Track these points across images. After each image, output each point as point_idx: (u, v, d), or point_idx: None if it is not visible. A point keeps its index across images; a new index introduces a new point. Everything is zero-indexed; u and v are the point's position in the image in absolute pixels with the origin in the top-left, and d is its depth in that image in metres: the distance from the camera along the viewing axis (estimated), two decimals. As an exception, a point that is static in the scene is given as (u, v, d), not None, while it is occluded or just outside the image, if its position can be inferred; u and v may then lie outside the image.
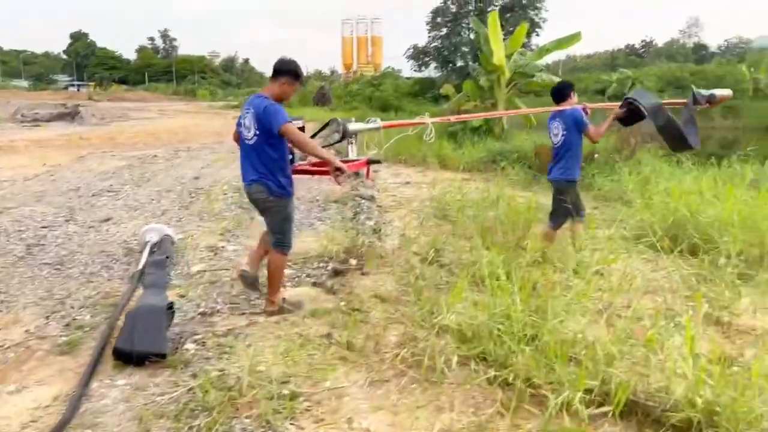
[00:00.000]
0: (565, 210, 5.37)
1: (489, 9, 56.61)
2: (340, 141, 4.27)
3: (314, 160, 4.22)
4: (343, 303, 4.29)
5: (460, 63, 57.60)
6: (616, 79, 45.89)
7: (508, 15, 54.12)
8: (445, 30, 55.40)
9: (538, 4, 54.94)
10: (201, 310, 4.25)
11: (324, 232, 6.51)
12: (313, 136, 4.29)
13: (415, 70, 62.79)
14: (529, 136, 13.58)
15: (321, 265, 5.32)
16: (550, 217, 5.64)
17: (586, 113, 5.45)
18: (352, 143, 4.28)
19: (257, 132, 3.84)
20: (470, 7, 56.31)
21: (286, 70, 3.94)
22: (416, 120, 4.91)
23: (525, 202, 8.56)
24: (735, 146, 33.20)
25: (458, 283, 3.80)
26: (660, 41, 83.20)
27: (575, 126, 5.25)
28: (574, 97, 5.49)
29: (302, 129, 4.11)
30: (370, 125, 4.40)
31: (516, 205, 6.59)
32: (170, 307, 3.83)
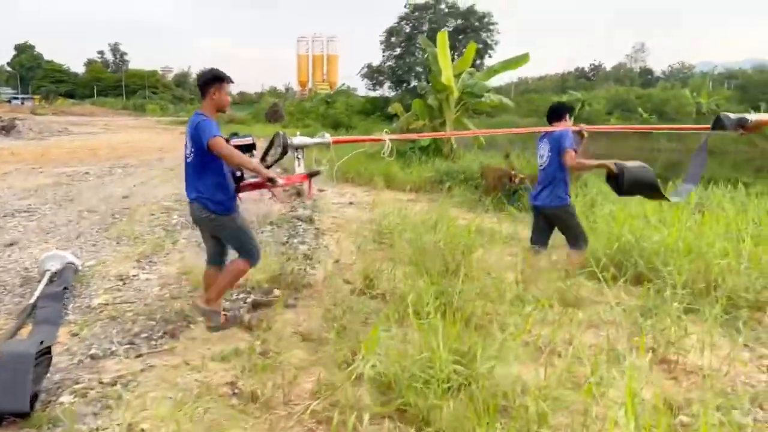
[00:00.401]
0: (576, 227, 5.10)
1: (442, 30, 57.49)
2: (282, 156, 4.10)
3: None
4: (258, 342, 3.83)
5: (414, 83, 57.94)
6: (565, 100, 46.69)
7: (461, 37, 54.93)
8: (399, 50, 55.74)
9: (491, 27, 55.93)
10: (92, 351, 3.71)
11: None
12: (264, 154, 4.18)
13: (369, 89, 62.90)
14: (477, 157, 13.42)
15: (241, 296, 4.83)
16: (569, 243, 5.21)
17: (583, 137, 5.15)
18: (299, 158, 4.13)
19: (192, 149, 3.82)
20: (424, 28, 56.89)
21: (208, 80, 3.87)
22: (374, 136, 4.70)
23: (468, 224, 8.32)
24: (679, 168, 34.21)
25: (377, 324, 3.39)
26: (608, 65, 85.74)
27: (559, 147, 4.99)
28: (569, 121, 5.19)
29: (252, 146, 4.02)
30: (317, 140, 4.24)
31: (455, 229, 6.26)
32: (46, 352, 3.29)
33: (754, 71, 48.20)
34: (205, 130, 3.69)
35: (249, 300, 4.70)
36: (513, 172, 9.65)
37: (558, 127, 5.06)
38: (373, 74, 61.26)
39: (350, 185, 12.72)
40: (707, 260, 5.19)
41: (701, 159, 5.55)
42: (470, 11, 55.58)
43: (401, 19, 57.98)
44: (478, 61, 57.41)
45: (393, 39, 57.30)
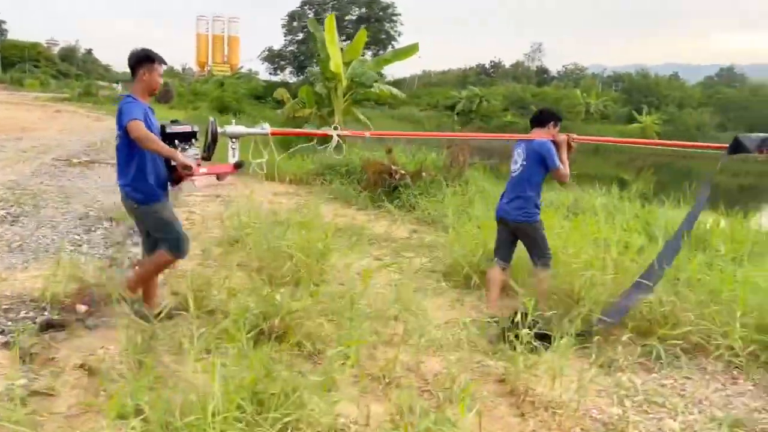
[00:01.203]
0: (543, 242, 4.59)
1: (345, 18, 56.63)
2: (212, 143, 3.81)
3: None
4: (23, 381, 3.04)
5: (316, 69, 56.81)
6: (465, 95, 47.52)
7: (364, 26, 54.60)
8: (301, 35, 54.54)
9: (394, 18, 55.94)
10: None
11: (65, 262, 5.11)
12: (209, 148, 3.89)
13: (270, 74, 61.21)
14: (362, 150, 12.78)
15: (31, 314, 3.98)
16: (534, 260, 4.59)
17: (571, 147, 4.63)
18: (233, 148, 3.89)
19: (118, 133, 3.71)
20: (327, 14, 55.99)
21: (139, 59, 3.76)
22: (323, 131, 4.44)
23: (341, 222, 7.75)
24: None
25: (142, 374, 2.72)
26: (507, 63, 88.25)
27: (541, 161, 4.48)
28: (554, 130, 4.65)
29: (193, 134, 3.91)
30: (254, 130, 3.99)
31: (317, 228, 5.67)
32: None
33: (638, 76, 51.11)
34: (126, 112, 3.57)
35: (39, 319, 3.85)
36: (394, 168, 9.19)
37: (540, 135, 4.58)
38: (274, 58, 59.68)
39: (226, 175, 11.82)
40: (572, 271, 4.92)
41: (703, 196, 4.90)
42: (374, 1, 55.24)
43: (304, 3, 56.69)
44: (381, 52, 57.37)
45: (295, 23, 56.00)
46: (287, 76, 56.68)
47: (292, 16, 56.69)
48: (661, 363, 3.71)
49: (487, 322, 4.20)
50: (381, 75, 54.21)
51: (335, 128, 4.32)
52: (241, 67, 62.27)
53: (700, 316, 3.89)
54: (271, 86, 45.15)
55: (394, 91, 14.26)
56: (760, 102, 45.42)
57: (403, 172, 9.11)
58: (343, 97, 13.55)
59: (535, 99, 47.12)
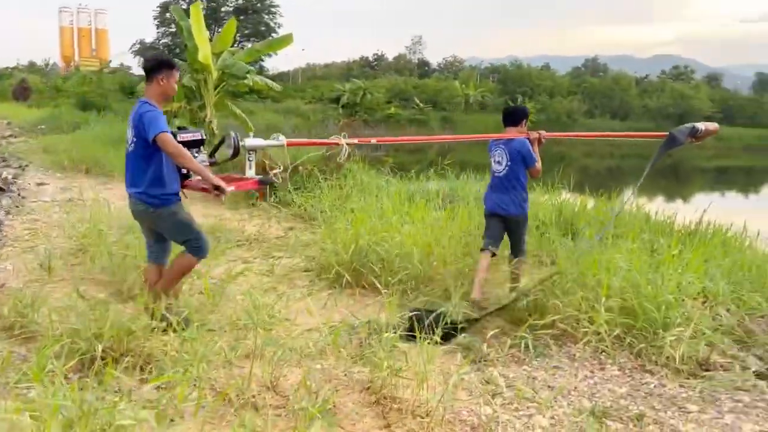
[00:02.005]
0: (524, 236, 4.85)
1: (222, 9, 54.72)
2: (232, 158, 3.90)
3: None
4: None
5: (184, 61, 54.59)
6: (348, 88, 47.39)
7: (242, 18, 52.90)
8: (174, 27, 51.95)
9: (273, 9, 54.74)
10: None
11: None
12: (212, 153, 4.07)
13: (184, 74, 58.23)
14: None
15: None
16: (515, 252, 4.78)
17: (541, 143, 4.90)
18: (250, 160, 3.93)
19: (134, 140, 3.63)
20: (202, 6, 53.72)
21: (157, 65, 3.71)
22: (331, 140, 4.41)
23: (208, 224, 7.22)
24: (449, 156, 36.53)
25: None
26: (390, 56, 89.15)
27: (522, 160, 4.76)
28: (524, 126, 4.89)
29: (201, 142, 3.89)
30: (272, 142, 4.03)
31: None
32: None
33: (512, 67, 53.42)
34: (152, 122, 3.48)
35: None
36: (267, 163, 8.71)
37: (513, 133, 4.84)
38: (146, 51, 56.62)
39: (85, 177, 10.82)
40: (445, 263, 4.79)
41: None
42: (251, -9, 53.77)
43: (177, -8, 53.99)
44: (259, 44, 56.02)
45: (168, 15, 53.22)
46: (162, 69, 54.02)
47: (164, 7, 53.90)
48: (532, 354, 3.63)
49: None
50: (262, 68, 52.95)
51: (344, 136, 4.29)
52: (110, 61, 58.41)
53: (568, 304, 3.85)
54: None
55: (270, 83, 13.68)
56: (622, 90, 49.00)
57: (279, 168, 8.67)
58: (215, 90, 12.81)
59: (417, 91, 47.98)
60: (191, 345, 3.06)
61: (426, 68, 79.95)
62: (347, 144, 4.28)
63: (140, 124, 3.53)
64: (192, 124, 12.82)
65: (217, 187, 3.52)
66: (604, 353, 3.66)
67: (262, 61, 57.48)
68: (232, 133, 3.91)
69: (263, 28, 54.23)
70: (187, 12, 13.09)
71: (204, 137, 3.96)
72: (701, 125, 5.02)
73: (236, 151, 3.82)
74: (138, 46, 57.08)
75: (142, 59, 54.21)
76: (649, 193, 22.75)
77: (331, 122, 44.35)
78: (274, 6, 54.89)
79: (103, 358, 3.12)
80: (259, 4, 54.46)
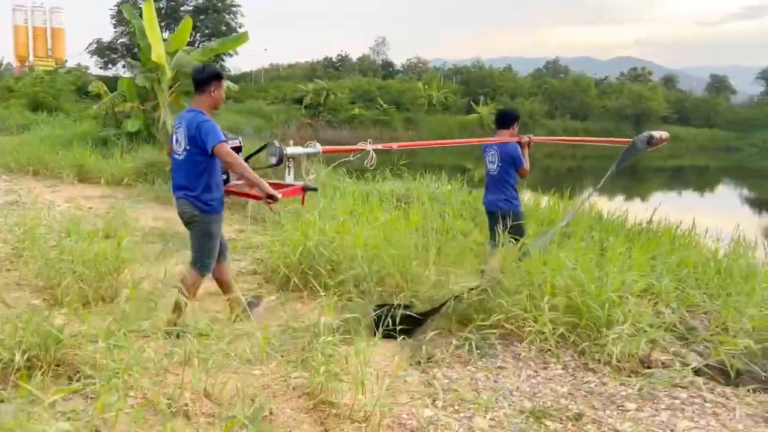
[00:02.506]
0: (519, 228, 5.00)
1: (182, 9, 53.74)
2: (276, 165, 4.00)
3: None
4: None
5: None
6: (311, 89, 47.15)
7: (203, 17, 52.06)
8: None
9: (234, 9, 54.01)
10: None
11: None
12: (248, 159, 4.08)
13: (101, 68, 56.87)
14: None
15: None
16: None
17: (529, 146, 5.34)
18: (290, 167, 4.01)
19: (187, 147, 3.74)
20: (161, 4, 52.77)
21: (211, 76, 3.80)
22: (357, 146, 4.44)
23: (160, 227, 7.05)
24: (413, 156, 36.72)
25: None
26: (354, 56, 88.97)
27: (513, 162, 5.23)
28: (515, 129, 5.39)
29: (239, 149, 3.98)
30: (309, 150, 4.11)
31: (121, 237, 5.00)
32: None
33: (474, 68, 53.82)
34: (210, 133, 3.62)
35: None
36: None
37: (505, 136, 5.29)
38: (104, 51, 55.42)
39: (32, 179, 10.46)
40: (397, 265, 4.74)
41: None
42: (212, -10, 52.93)
43: (135, -9, 52.94)
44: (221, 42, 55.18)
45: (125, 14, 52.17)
46: (120, 70, 52.82)
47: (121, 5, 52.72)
48: (477, 353, 3.59)
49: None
50: (223, 68, 52.23)
51: (369, 142, 4.41)
52: (66, 61, 56.93)
53: (513, 303, 3.82)
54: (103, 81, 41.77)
55: (227, 82, 13.43)
56: (581, 91, 49.83)
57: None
58: (169, 89, 12.52)
59: (380, 91, 47.93)
60: (118, 353, 2.93)
61: (390, 69, 79.90)
62: (373, 149, 4.38)
63: (197, 133, 3.64)
64: (145, 124, 12.54)
65: (270, 196, 3.66)
66: (549, 352, 3.65)
67: (223, 60, 56.78)
68: (276, 142, 3.96)
69: (224, 28, 53.44)
70: (140, 11, 12.77)
71: (241, 144, 4.05)
72: (656, 133, 5.38)
73: (280, 160, 3.90)
74: (95, 45, 55.78)
75: (96, 57, 53.06)
76: (609, 192, 23.23)
77: (294, 123, 44.27)
78: (235, 5, 54.14)
79: (29, 368, 2.98)
80: (219, 4, 53.60)
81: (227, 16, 54.25)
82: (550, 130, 46.22)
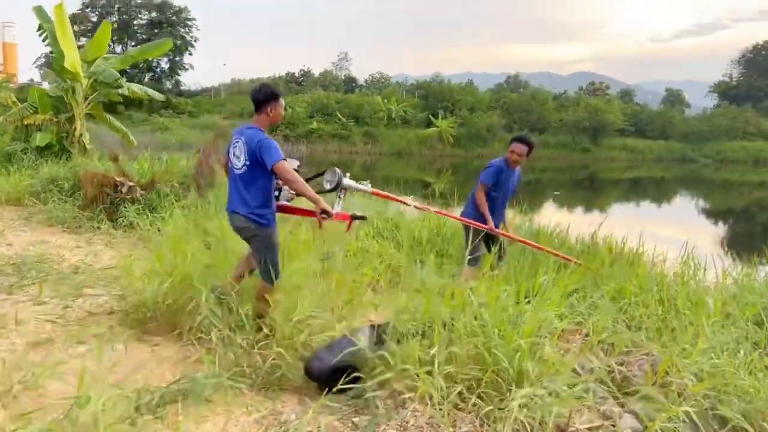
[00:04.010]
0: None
1: (135, 22, 52.45)
2: (330, 191, 4.10)
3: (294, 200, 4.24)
4: None
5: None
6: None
7: (157, 31, 50.79)
8: (84, 39, 49.27)
9: (189, 22, 52.93)
10: None
11: None
12: (308, 180, 4.06)
13: (52, 83, 55.00)
14: (90, 160, 10.52)
15: None
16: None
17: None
18: (340, 197, 4.08)
19: (247, 163, 3.80)
20: (113, 18, 51.34)
21: (268, 96, 3.86)
22: (401, 198, 4.82)
23: (32, 253, 6.03)
24: (374, 169, 36.10)
25: None
26: (317, 71, 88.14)
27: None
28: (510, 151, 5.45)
29: (296, 171, 3.86)
30: (361, 186, 4.21)
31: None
32: None
33: (434, 82, 53.52)
34: (271, 150, 3.70)
35: None
36: (119, 180, 7.59)
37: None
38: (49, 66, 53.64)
39: None
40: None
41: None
42: (165, 4, 51.77)
43: (86, 6, 51.52)
44: (178, 58, 53.83)
45: (76, 27, 50.56)
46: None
47: (72, 20, 51.12)
48: (354, 422, 2.76)
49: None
50: (178, 82, 50.66)
51: (411, 199, 4.79)
52: (15, 76, 54.89)
53: (403, 355, 3.00)
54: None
55: (150, 92, 12.42)
56: (539, 104, 49.92)
57: (131, 183, 7.56)
58: (85, 100, 11.47)
59: (340, 105, 47.23)
60: None
61: (353, 84, 79.36)
62: (415, 206, 4.72)
63: (258, 150, 3.70)
64: (58, 138, 11.45)
65: (324, 211, 3.71)
66: (447, 417, 2.82)
67: (178, 75, 55.48)
68: (337, 169, 4.03)
69: (179, 42, 52.28)
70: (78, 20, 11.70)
71: (299, 167, 3.99)
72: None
73: (335, 187, 4.02)
74: (43, 59, 54.00)
75: (45, 71, 51.35)
76: (566, 204, 22.91)
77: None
78: (190, 19, 53.05)
79: None
80: (174, 18, 52.48)
81: (182, 30, 53.12)
82: (508, 142, 46.10)
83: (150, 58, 17.73)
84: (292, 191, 4.08)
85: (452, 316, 3.10)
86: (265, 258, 3.91)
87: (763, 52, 67.20)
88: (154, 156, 9.94)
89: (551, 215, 17.24)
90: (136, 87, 12.11)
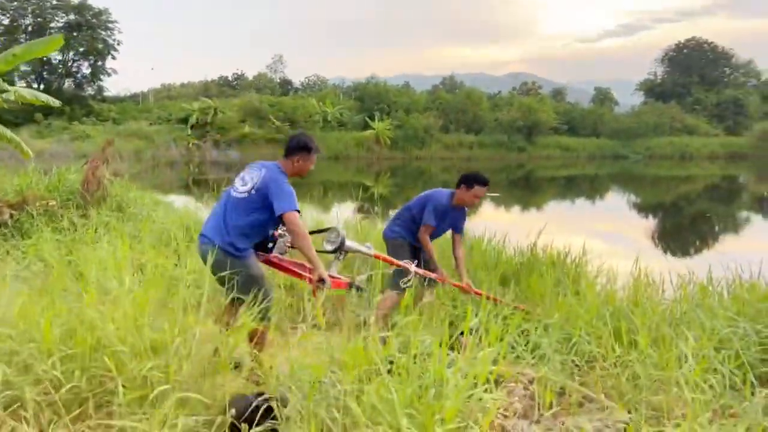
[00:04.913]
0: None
1: (51, 25, 49.46)
2: (331, 252, 3.86)
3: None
4: None
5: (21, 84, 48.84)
6: (197, 107, 44.45)
7: (76, 34, 48.06)
8: (-2, 45, 46.11)
9: (110, 25, 50.41)
10: None
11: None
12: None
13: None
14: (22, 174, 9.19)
15: None
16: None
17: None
18: (339, 259, 3.88)
19: (253, 192, 3.53)
20: (27, 21, 48.37)
21: (299, 147, 3.71)
22: (403, 263, 4.28)
23: None
24: (311, 174, 34.78)
25: None
26: (250, 74, 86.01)
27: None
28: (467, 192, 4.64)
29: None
30: (364, 249, 3.99)
31: None
32: None
33: (370, 84, 52.95)
34: (287, 196, 3.48)
35: None
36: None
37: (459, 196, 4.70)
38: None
39: None
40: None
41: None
42: (84, 6, 49.09)
43: (-4, 8, 48.25)
44: (100, 63, 51.13)
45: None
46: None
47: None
48: None
49: None
50: (101, 88, 48.22)
51: (414, 264, 4.35)
52: None
53: None
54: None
55: (44, 97, 11.12)
56: (474, 104, 50.11)
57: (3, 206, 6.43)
58: (-37, 108, 10.12)
59: (273, 109, 45.96)
60: None
61: (289, 87, 77.77)
62: (416, 271, 4.29)
63: (272, 188, 3.48)
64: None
65: (321, 279, 3.41)
66: None
67: (101, 80, 52.74)
68: (341, 230, 3.83)
69: (100, 45, 49.71)
70: (18, 30, 10.22)
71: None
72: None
73: (336, 249, 3.80)
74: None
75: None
76: (504, 203, 22.66)
77: (177, 145, 41.30)
78: (111, 22, 50.45)
79: None
80: (94, 20, 49.79)
81: (103, 33, 50.48)
82: (445, 144, 45.93)
83: (42, 56, 16.31)
84: (288, 244, 3.80)
85: (353, 388, 2.30)
86: (248, 291, 3.37)
87: (685, 51, 69.87)
88: (39, 168, 8.71)
89: (489, 216, 16.88)
90: (25, 92, 10.78)
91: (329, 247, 3.82)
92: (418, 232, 4.60)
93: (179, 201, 12.58)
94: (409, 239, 4.67)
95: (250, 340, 3.35)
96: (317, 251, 3.61)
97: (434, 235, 4.75)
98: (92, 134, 40.98)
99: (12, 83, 10.32)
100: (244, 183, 3.63)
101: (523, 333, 3.45)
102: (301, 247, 3.48)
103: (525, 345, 3.28)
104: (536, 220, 17.55)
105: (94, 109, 47.55)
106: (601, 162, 47.68)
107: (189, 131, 42.98)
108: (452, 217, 4.73)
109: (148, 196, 8.49)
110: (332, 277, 3.59)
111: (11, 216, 6.40)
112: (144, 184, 23.98)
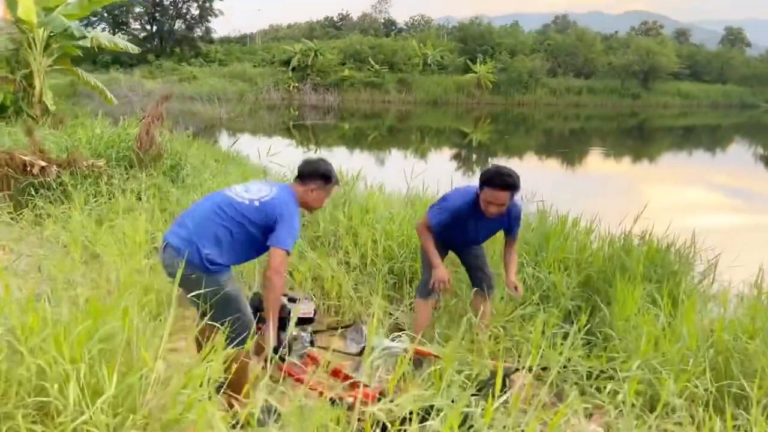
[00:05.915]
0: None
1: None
2: (356, 355, 3.27)
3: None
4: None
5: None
6: (299, 50, 44.24)
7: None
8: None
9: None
10: None
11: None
12: (322, 332, 3.68)
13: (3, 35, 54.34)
14: (86, 127, 9.08)
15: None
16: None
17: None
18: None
19: (257, 204, 3.01)
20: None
21: (312, 174, 3.19)
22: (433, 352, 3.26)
23: None
24: (407, 120, 34.05)
25: None
26: (355, 15, 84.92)
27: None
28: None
29: (311, 320, 3.24)
30: (394, 347, 3.04)
31: None
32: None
33: (473, 24, 50.41)
34: (291, 233, 2.94)
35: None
36: (29, 159, 6.17)
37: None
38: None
39: None
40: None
41: None
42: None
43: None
44: (207, 4, 51.86)
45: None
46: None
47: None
48: None
49: None
50: (209, 29, 48.97)
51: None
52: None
53: None
54: None
55: (122, 43, 10.95)
56: (585, 46, 46.59)
57: (43, 164, 6.15)
58: (44, 52, 10.10)
59: (373, 51, 44.98)
60: None
61: (393, 27, 76.11)
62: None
63: (285, 215, 2.96)
64: (13, 100, 10.14)
65: (261, 348, 2.97)
66: None
67: (208, 21, 53.61)
68: (364, 328, 3.28)
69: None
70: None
71: (314, 316, 3.25)
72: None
73: (361, 351, 3.19)
74: None
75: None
76: (614, 151, 20.83)
77: (277, 88, 41.43)
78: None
79: None
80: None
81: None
82: (552, 88, 43.15)
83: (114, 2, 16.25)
84: (307, 343, 3.19)
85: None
86: (225, 315, 2.84)
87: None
88: (107, 120, 8.46)
89: (595, 167, 15.33)
90: (103, 38, 10.65)
91: (353, 348, 3.26)
92: (438, 230, 3.67)
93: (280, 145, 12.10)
94: (437, 236, 3.71)
95: (229, 385, 2.68)
96: (336, 351, 3.21)
97: (453, 240, 3.83)
98: (198, 75, 42.08)
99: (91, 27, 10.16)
100: (247, 190, 3.14)
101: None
102: (267, 297, 2.93)
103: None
104: (645, 178, 15.86)
105: (202, 51, 48.69)
106: (726, 111, 43.16)
107: (290, 74, 42.98)
108: (483, 226, 3.71)
109: (209, 153, 8.05)
110: (353, 382, 2.93)
111: (58, 175, 6.12)
112: (244, 127, 24.12)
